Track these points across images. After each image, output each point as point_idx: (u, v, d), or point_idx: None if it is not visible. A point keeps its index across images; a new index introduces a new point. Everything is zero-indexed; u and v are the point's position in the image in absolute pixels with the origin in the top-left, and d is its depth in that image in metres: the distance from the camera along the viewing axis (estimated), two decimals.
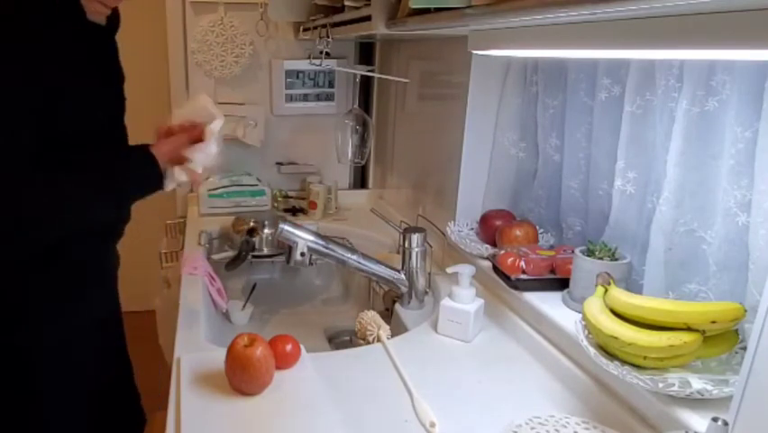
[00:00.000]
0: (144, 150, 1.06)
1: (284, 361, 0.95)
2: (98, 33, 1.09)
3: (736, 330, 0.80)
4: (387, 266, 1.27)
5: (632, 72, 0.97)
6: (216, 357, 0.92)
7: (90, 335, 1.13)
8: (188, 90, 1.92)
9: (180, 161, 1.07)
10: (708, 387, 0.74)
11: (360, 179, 2.17)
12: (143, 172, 1.05)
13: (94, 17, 1.06)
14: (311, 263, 1.25)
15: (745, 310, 0.77)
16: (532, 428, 0.83)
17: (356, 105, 1.83)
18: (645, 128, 0.97)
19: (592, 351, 0.85)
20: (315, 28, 1.57)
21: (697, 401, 0.75)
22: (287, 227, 1.22)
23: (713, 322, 0.77)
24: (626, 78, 0.98)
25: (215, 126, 1.09)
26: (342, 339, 1.49)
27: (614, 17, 0.61)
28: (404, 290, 1.28)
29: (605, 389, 0.88)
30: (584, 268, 0.99)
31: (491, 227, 1.29)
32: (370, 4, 1.10)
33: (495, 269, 1.19)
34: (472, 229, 1.39)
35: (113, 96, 1.15)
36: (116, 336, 1.28)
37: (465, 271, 1.10)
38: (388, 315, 1.33)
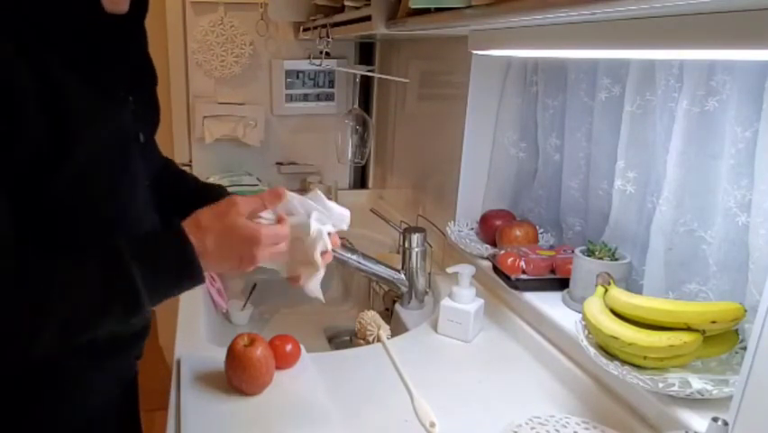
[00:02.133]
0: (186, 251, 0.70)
1: (284, 361, 0.95)
2: (119, 26, 0.76)
3: (736, 330, 0.80)
4: (387, 266, 1.27)
5: (632, 72, 0.97)
6: (216, 357, 0.92)
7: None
8: (189, 90, 1.92)
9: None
10: (708, 387, 0.74)
11: (360, 179, 2.17)
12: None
13: (112, 7, 0.74)
14: None
15: (745, 310, 0.77)
16: (532, 428, 0.83)
17: (356, 106, 1.83)
18: (645, 128, 0.97)
19: (592, 351, 0.85)
20: (315, 28, 1.57)
21: (697, 401, 0.75)
22: None
23: (713, 322, 0.77)
24: (626, 78, 0.98)
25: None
26: (342, 339, 1.49)
27: (614, 17, 0.61)
28: (404, 290, 1.28)
29: (605, 389, 0.88)
30: (584, 268, 0.99)
31: (491, 227, 1.29)
32: (370, 4, 1.10)
33: (495, 269, 1.19)
34: (472, 229, 1.38)
35: (141, 103, 0.84)
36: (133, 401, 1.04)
37: (465, 271, 1.10)
38: (388, 315, 1.33)
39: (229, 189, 1.91)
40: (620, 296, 0.86)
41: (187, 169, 1.96)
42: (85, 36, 0.71)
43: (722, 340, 0.80)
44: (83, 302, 0.67)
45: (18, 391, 0.78)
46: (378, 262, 1.28)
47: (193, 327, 1.11)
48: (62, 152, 0.67)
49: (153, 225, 0.85)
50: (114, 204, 0.76)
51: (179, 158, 1.96)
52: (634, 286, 0.99)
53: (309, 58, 1.80)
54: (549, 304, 1.05)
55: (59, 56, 0.67)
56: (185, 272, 0.71)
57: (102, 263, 0.68)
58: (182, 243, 0.71)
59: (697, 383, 0.75)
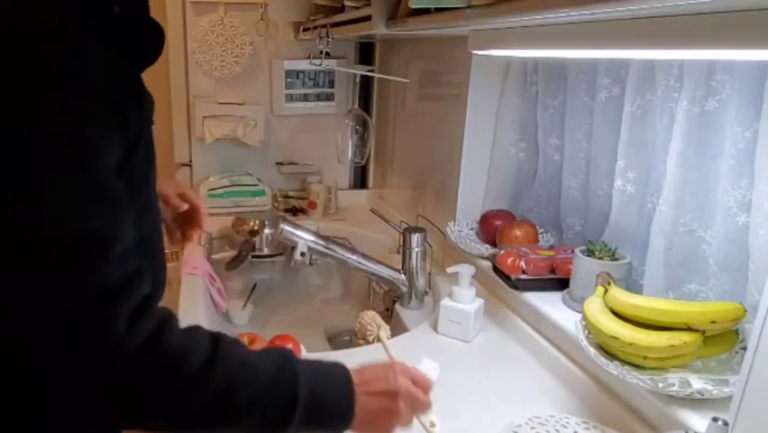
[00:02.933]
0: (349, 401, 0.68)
1: None
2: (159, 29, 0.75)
3: (736, 330, 0.80)
4: (387, 266, 1.27)
5: (632, 72, 0.97)
6: None
7: None
8: (189, 90, 1.92)
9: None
10: (708, 387, 0.74)
11: (360, 179, 2.17)
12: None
13: None
14: (311, 263, 1.25)
15: (745, 310, 0.77)
16: (532, 428, 0.83)
17: (356, 106, 1.83)
18: (645, 128, 0.97)
19: (592, 351, 0.85)
20: (315, 28, 1.57)
21: (697, 401, 0.75)
22: (287, 227, 1.22)
23: (713, 322, 0.77)
24: (626, 78, 0.98)
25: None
26: (342, 339, 1.49)
27: (614, 17, 0.61)
28: (404, 290, 1.28)
29: (605, 389, 0.88)
30: (584, 268, 0.99)
31: (491, 227, 1.29)
32: (369, 4, 1.10)
33: (495, 269, 1.19)
34: (472, 229, 1.38)
35: None
36: None
37: (465, 271, 1.10)
38: (388, 315, 1.33)
39: (229, 189, 1.92)
40: (620, 296, 0.86)
41: (187, 169, 1.97)
42: (143, 33, 0.72)
43: (722, 340, 0.80)
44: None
45: (21, 394, 0.78)
46: (378, 262, 1.28)
47: None
48: (132, 151, 0.65)
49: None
50: (146, 190, 0.74)
51: (179, 158, 1.96)
52: (634, 286, 0.99)
53: (309, 58, 1.80)
54: (549, 304, 1.05)
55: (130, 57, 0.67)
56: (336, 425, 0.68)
57: (277, 365, 0.65)
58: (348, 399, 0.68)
59: (697, 383, 0.75)
